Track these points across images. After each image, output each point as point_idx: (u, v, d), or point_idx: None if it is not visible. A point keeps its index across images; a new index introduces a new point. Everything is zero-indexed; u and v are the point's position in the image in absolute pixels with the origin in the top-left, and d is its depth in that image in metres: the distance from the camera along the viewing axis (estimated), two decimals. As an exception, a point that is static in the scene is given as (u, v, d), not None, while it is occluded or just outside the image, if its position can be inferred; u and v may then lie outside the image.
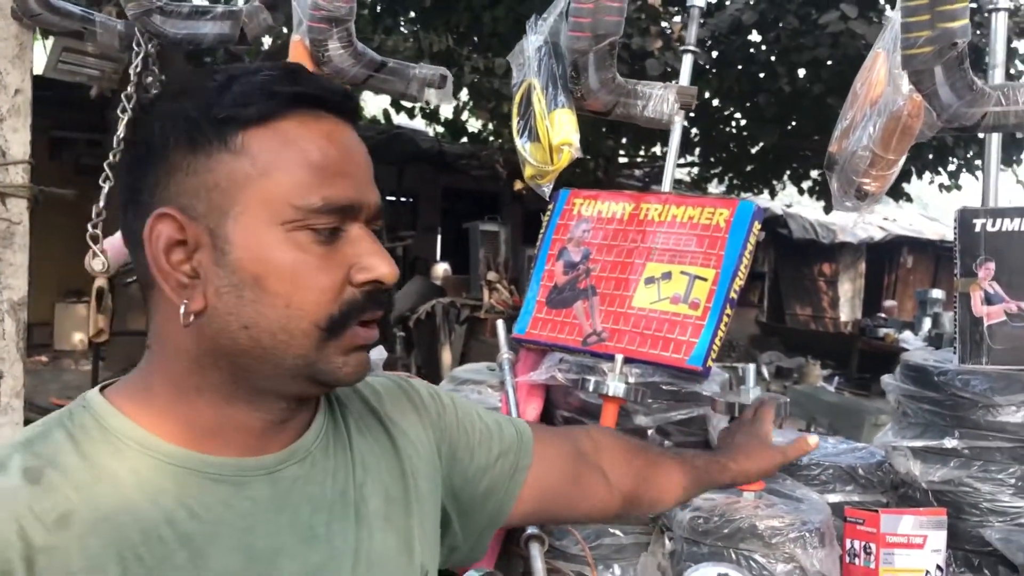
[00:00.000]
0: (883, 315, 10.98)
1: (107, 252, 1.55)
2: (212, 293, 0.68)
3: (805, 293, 12.63)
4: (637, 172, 10.84)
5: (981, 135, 1.72)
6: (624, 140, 9.35)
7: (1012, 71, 7.29)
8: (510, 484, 0.95)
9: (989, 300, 1.63)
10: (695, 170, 10.57)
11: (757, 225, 1.84)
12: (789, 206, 12.23)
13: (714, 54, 7.66)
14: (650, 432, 1.79)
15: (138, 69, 1.54)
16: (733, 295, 1.80)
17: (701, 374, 1.75)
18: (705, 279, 1.82)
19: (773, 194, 9.90)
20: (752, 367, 1.62)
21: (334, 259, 0.70)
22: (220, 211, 0.68)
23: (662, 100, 1.54)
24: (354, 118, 0.75)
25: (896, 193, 8.96)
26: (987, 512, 1.58)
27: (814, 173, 9.05)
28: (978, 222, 1.66)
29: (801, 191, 9.39)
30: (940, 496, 1.62)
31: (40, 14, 1.64)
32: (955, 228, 1.68)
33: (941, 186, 9.07)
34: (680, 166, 10.46)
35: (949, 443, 1.61)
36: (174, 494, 0.67)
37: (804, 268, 12.59)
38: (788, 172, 9.23)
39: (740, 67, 7.78)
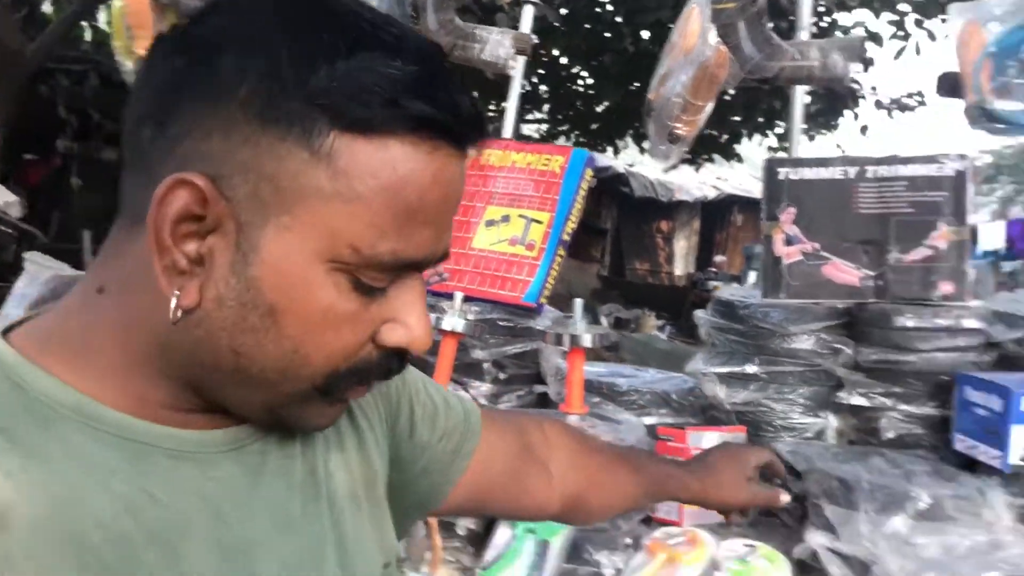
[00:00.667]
0: (714, 269, 11.64)
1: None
2: (211, 297, 0.54)
3: (644, 249, 13.20)
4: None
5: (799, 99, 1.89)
6: (475, 95, 9.39)
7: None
8: (449, 468, 0.82)
9: (789, 242, 1.83)
10: (544, 127, 10.76)
11: (589, 172, 1.97)
12: (631, 165, 12.68)
13: (563, 11, 7.81)
14: (486, 365, 1.89)
15: None
16: (566, 237, 1.92)
17: (535, 310, 1.87)
18: (540, 222, 1.93)
19: (616, 152, 10.24)
20: (580, 301, 1.75)
21: (368, 312, 0.57)
22: (263, 209, 0.52)
23: (498, 44, 1.61)
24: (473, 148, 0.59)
25: (728, 154, 9.49)
26: (780, 429, 1.79)
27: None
28: (782, 171, 1.85)
29: (642, 150, 9.76)
30: (742, 416, 1.82)
31: None
32: (763, 177, 1.86)
33: (770, 148, 9.67)
34: (529, 122, 10.62)
35: (750, 368, 1.80)
36: (128, 476, 0.53)
37: (644, 225, 13.13)
38: (631, 131, 9.56)
39: (588, 26, 7.97)
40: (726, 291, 1.97)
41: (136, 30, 1.46)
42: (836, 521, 1.51)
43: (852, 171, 1.78)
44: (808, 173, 1.81)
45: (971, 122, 1.48)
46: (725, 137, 9.39)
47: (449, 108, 0.54)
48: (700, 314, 1.94)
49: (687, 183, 12.79)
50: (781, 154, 8.82)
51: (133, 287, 0.55)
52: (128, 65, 1.55)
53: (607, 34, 7.86)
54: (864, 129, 8.82)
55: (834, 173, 1.79)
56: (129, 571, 0.51)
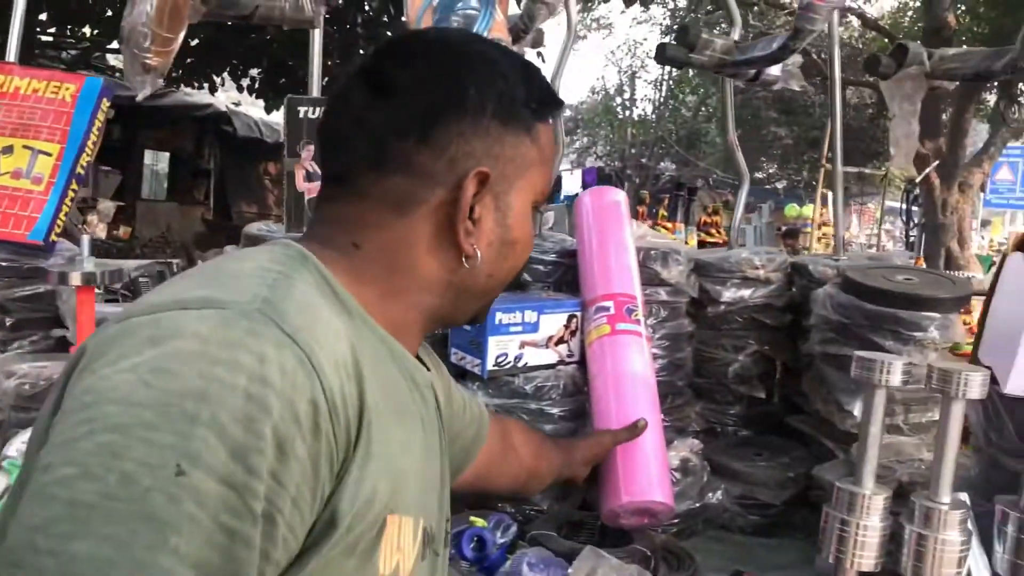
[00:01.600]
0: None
1: None
2: (484, 243, 0.81)
3: (252, 191, 12.84)
4: (65, 54, 9.78)
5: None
6: (44, 16, 8.32)
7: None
8: (471, 449, 1.15)
9: (310, 178, 1.92)
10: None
11: (106, 102, 1.88)
12: (237, 104, 12.19)
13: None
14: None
15: None
16: (80, 170, 1.83)
17: (44, 249, 1.76)
18: (49, 154, 1.82)
19: (214, 89, 9.77)
20: (86, 238, 1.68)
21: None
22: (509, 181, 0.82)
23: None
24: None
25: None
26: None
27: (253, 72, 9.14)
28: (302, 109, 1.93)
29: (240, 89, 9.42)
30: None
31: None
32: (284, 115, 1.92)
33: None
34: (112, 51, 9.69)
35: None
36: (390, 373, 0.76)
37: (250, 167, 12.75)
38: (227, 69, 9.17)
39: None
40: (253, 226, 2.02)
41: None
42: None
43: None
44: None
45: None
46: (326, 79, 9.41)
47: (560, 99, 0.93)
48: (229, 249, 1.97)
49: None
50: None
51: (394, 249, 0.79)
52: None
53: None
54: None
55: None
56: (409, 422, 0.76)
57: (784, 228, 12.41)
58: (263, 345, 0.58)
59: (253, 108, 11.78)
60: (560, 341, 1.82)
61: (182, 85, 9.87)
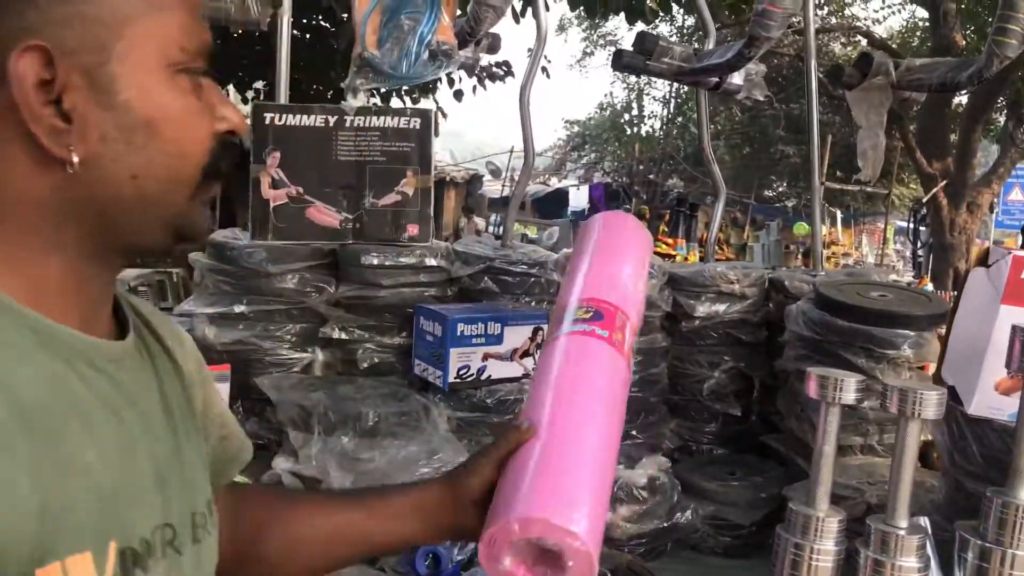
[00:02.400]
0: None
1: None
2: (96, 139, 0.59)
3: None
4: None
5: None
6: None
7: None
8: (224, 470, 0.82)
9: (275, 185, 1.89)
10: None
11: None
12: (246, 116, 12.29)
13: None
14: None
15: None
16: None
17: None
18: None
19: (219, 100, 9.81)
20: None
21: (203, 106, 0.63)
22: (101, 48, 0.59)
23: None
24: None
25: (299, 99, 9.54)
26: (269, 364, 1.86)
27: (258, 84, 9.17)
28: (268, 115, 1.90)
29: (245, 100, 9.46)
30: (233, 354, 1.85)
31: None
32: (250, 121, 1.89)
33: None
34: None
35: (238, 308, 1.84)
36: (49, 368, 0.59)
37: (256, 178, 12.86)
38: (233, 81, 9.21)
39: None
40: (220, 233, 1.99)
41: None
42: (297, 444, 1.62)
43: (332, 119, 1.88)
44: (292, 119, 1.88)
45: (356, 71, 1.64)
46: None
47: None
48: (195, 256, 1.94)
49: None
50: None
51: (3, 180, 0.60)
52: None
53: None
54: (459, 95, 9.42)
55: (316, 120, 1.88)
56: (58, 433, 0.57)
57: (796, 246, 12.34)
58: None
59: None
60: (525, 354, 1.78)
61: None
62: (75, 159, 0.59)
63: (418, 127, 1.87)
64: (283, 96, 1.94)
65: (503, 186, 12.24)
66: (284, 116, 1.87)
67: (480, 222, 12.39)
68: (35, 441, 0.56)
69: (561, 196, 15.75)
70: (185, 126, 0.62)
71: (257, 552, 0.85)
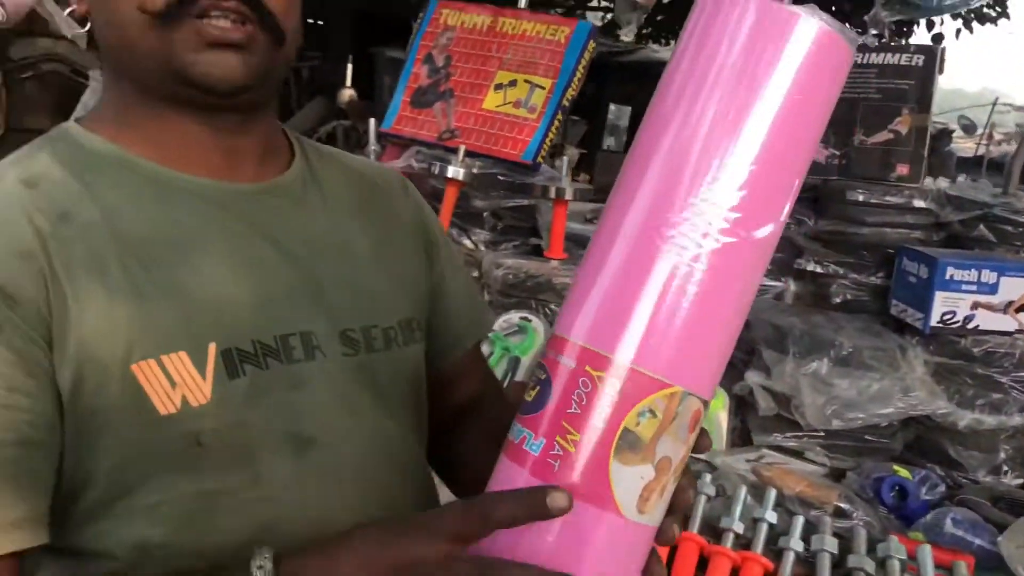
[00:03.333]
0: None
1: (6, 5, 1.70)
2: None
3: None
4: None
5: None
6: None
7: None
8: (463, 337, 0.93)
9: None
10: (609, 16, 10.61)
11: (592, 44, 2.12)
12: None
13: None
14: (485, 214, 2.11)
15: None
16: (565, 103, 2.09)
17: (532, 168, 2.06)
18: (543, 88, 2.11)
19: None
20: (566, 158, 1.94)
21: None
22: None
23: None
24: None
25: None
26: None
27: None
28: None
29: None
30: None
31: None
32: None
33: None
34: (592, 8, 10.47)
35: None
36: (157, 207, 0.70)
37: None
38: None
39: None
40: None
41: None
42: (769, 362, 1.72)
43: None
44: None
45: (883, 4, 1.60)
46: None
47: None
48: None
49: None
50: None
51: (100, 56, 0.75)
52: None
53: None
54: (938, 38, 8.55)
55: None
56: (157, 268, 0.68)
57: None
58: None
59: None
60: (1021, 308, 1.66)
61: (650, 42, 10.33)
62: (76, 12, 0.72)
63: (920, 64, 1.81)
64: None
65: (977, 144, 10.90)
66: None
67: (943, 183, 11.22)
68: (130, 265, 0.66)
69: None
70: None
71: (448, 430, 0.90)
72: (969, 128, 13.73)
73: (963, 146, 13.43)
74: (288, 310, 0.73)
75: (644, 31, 10.09)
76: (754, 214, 0.55)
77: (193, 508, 0.67)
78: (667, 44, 10.15)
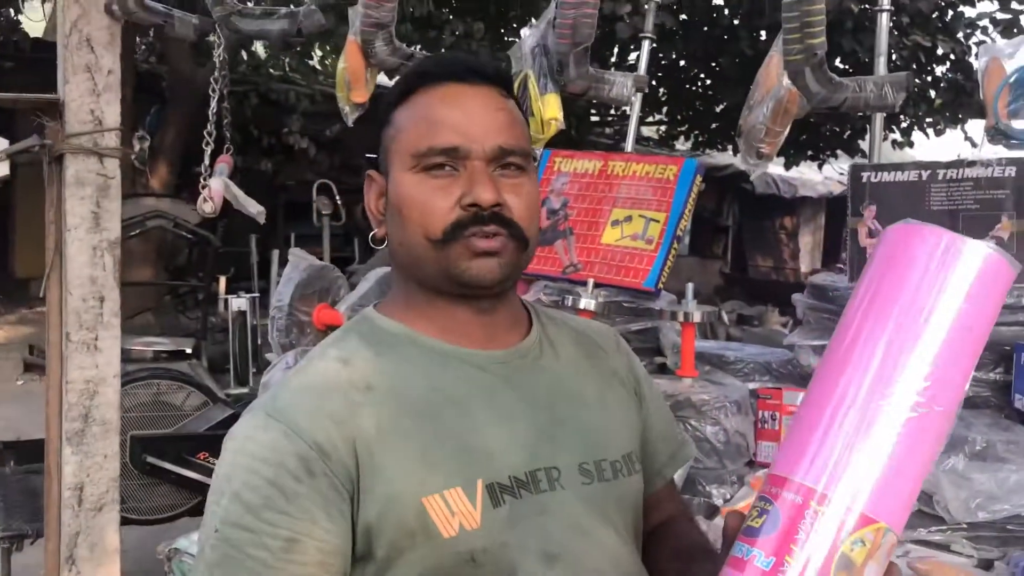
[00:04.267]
0: (840, 265, 11.61)
1: (214, 197, 2.02)
2: (387, 223, 0.96)
3: (767, 245, 13.25)
4: (608, 131, 11.31)
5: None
6: (595, 101, 9.79)
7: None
8: (664, 468, 1.10)
9: (871, 235, 2.15)
10: (663, 128, 11.04)
11: (699, 178, 2.34)
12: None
13: (681, 17, 8.10)
14: (615, 339, 2.30)
15: (221, 57, 1.99)
16: (679, 232, 2.31)
17: (654, 294, 2.26)
18: (658, 221, 2.33)
19: (736, 151, 10.41)
20: (691, 284, 2.13)
21: (449, 190, 0.90)
22: (388, 165, 0.95)
23: (622, 86, 2.02)
24: (489, 80, 0.95)
25: (852, 150, 9.52)
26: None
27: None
28: (864, 175, 2.18)
29: (762, 148, 9.90)
30: (832, 382, 2.15)
31: (135, 12, 2.08)
32: (848, 180, 2.19)
33: (894, 143, 9.64)
34: (649, 124, 10.92)
35: (838, 342, 2.13)
36: (437, 373, 0.90)
37: (766, 221, 13.18)
38: (750, 130, 9.72)
39: (705, 29, 8.24)
40: (818, 277, 2.31)
41: (353, 84, 1.96)
42: (905, 462, 1.84)
43: (925, 174, 2.09)
44: (886, 176, 2.13)
45: (990, 140, 1.78)
46: (848, 133, 9.43)
47: (436, 64, 0.98)
48: (797, 297, 2.28)
49: (811, 179, 12.76)
50: (921, 158, 8.83)
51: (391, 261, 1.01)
52: (347, 109, 2.07)
53: (725, 37, 8.09)
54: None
55: (909, 176, 2.11)
56: (439, 418, 0.88)
57: None
58: (257, 432, 0.85)
59: (772, 166, 12.23)
60: None
61: (707, 149, 10.72)
62: (375, 236, 0.98)
63: (1013, 175, 1.99)
64: (877, 156, 2.20)
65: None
66: (879, 174, 2.13)
67: None
68: (418, 421, 0.86)
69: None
70: (417, 208, 0.90)
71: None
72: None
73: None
74: (535, 449, 0.90)
75: (700, 139, 10.45)
76: (937, 395, 0.73)
77: None
78: (723, 150, 10.50)
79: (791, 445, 0.77)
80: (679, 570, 1.00)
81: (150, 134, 8.14)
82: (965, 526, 1.78)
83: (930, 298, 0.74)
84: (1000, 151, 1.87)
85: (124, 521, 2.45)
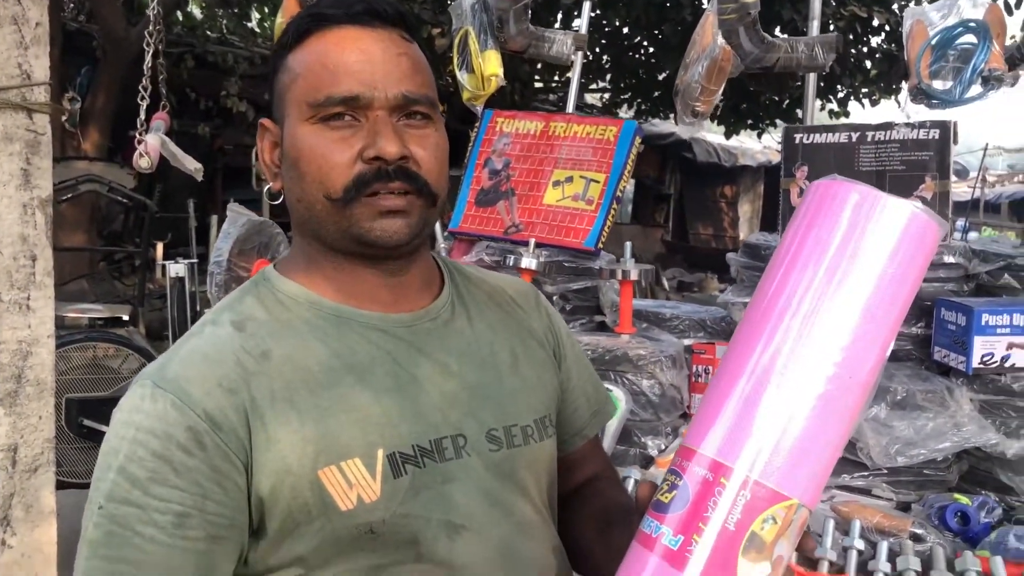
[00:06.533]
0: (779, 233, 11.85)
1: (151, 152, 1.98)
2: (283, 176, 0.90)
3: (708, 213, 13.44)
4: (552, 97, 11.30)
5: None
6: (539, 66, 9.76)
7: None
8: (585, 427, 1.07)
9: (802, 194, 2.22)
10: (607, 96, 11.07)
11: (638, 140, 2.38)
12: (697, 131, 12.89)
13: (624, -16, 8.10)
14: (555, 298, 2.34)
15: (155, 11, 1.94)
16: (619, 193, 2.35)
17: (594, 253, 2.30)
18: (598, 181, 2.36)
19: (678, 119, 10.50)
20: (628, 243, 2.17)
21: (349, 142, 0.84)
22: (281, 114, 0.89)
23: (562, 44, 2.04)
24: (389, 22, 0.87)
25: (791, 119, 9.68)
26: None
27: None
28: (797, 136, 2.24)
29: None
30: (764, 338, 2.22)
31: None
32: (781, 141, 2.25)
33: (831, 112, 9.83)
34: (592, 91, 10.94)
35: (770, 299, 2.20)
36: (338, 339, 0.86)
37: (707, 190, 13.37)
38: (692, 98, 9.81)
39: (648, -3, 8.26)
40: (752, 237, 2.37)
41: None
42: (831, 412, 1.92)
43: (855, 136, 2.16)
44: (818, 138, 2.20)
45: (912, 100, 1.86)
46: (787, 102, 9.57)
47: (332, 4, 0.87)
48: (731, 256, 2.34)
49: (751, 148, 12.96)
50: (844, 119, 9.00)
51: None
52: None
53: (667, 3, 8.13)
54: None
55: (839, 138, 2.17)
56: (336, 387, 0.83)
57: None
58: (144, 402, 0.80)
59: (711, 134, 12.37)
60: (1052, 345, 1.87)
61: (649, 117, 10.78)
62: (270, 190, 0.92)
63: (936, 137, 2.07)
64: (809, 119, 2.26)
65: (972, 188, 11.25)
66: (811, 136, 2.20)
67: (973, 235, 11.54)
68: (315, 389, 0.82)
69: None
70: (315, 161, 0.83)
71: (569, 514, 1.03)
72: (962, 173, 14.09)
73: (958, 190, 13.81)
74: (441, 417, 0.87)
75: (643, 107, 10.52)
76: (853, 365, 0.69)
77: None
78: (666, 119, 10.58)
79: (702, 416, 0.73)
80: (597, 531, 0.97)
81: (81, 96, 7.90)
82: (886, 471, 1.87)
83: (849, 260, 0.69)
84: (923, 111, 1.94)
85: (61, 484, 2.41)
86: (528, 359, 0.98)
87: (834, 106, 9.79)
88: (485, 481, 0.88)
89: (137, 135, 2.04)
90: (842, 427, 0.70)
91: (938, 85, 1.80)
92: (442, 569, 0.84)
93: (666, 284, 8.67)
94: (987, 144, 11.41)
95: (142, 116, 2.09)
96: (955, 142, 2.05)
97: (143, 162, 2.00)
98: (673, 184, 13.29)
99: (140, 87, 2.02)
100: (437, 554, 0.84)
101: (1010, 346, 1.87)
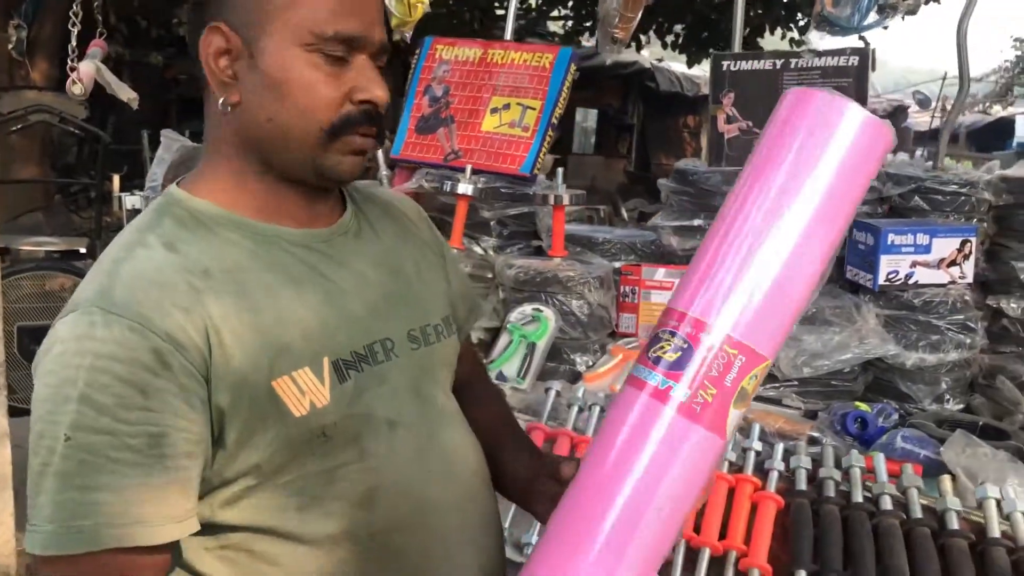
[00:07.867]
0: (739, 163, 11.90)
1: (83, 79, 1.99)
2: (247, 91, 0.86)
3: (670, 143, 13.43)
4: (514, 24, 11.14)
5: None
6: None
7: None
8: (464, 324, 1.16)
9: (729, 120, 2.30)
10: (569, 23, 10.95)
11: (573, 67, 2.43)
12: (660, 60, 12.82)
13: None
14: (492, 223, 2.41)
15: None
16: (554, 120, 2.41)
17: (529, 179, 2.37)
18: (534, 108, 2.42)
19: (640, 48, 10.44)
20: (560, 169, 2.24)
21: (340, 79, 0.86)
22: (259, 27, 0.85)
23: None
24: None
25: (752, 47, 9.67)
26: (720, 269, 2.29)
27: (677, 27, 9.62)
28: (724, 63, 2.30)
29: (664, 45, 9.97)
30: (689, 259, 2.32)
31: None
32: (710, 68, 2.31)
33: (792, 40, 9.83)
34: (554, 18, 10.82)
35: (697, 222, 2.29)
36: (268, 255, 0.89)
37: (669, 119, 13.34)
38: (654, 27, 9.76)
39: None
40: (681, 163, 2.45)
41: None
42: (747, 328, 2.03)
43: (779, 63, 2.23)
44: (744, 65, 2.26)
45: (815, 26, 1.93)
46: (747, 31, 9.56)
47: None
48: (662, 182, 2.42)
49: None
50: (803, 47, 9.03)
51: (212, 129, 0.91)
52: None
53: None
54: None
55: (764, 64, 2.24)
56: (275, 303, 0.87)
57: None
58: (95, 329, 0.78)
59: (675, 63, 12.30)
60: (952, 263, 1.99)
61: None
62: (224, 101, 0.86)
63: (855, 64, 2.14)
64: (738, 44, 2.32)
65: (932, 117, 11.38)
66: (738, 63, 2.26)
67: (903, 157, 11.67)
68: (259, 304, 0.85)
69: (1004, 126, 14.06)
70: (307, 91, 0.84)
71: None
72: (924, 103, 14.21)
73: (919, 120, 13.94)
74: (370, 323, 0.94)
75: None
76: (809, 244, 0.82)
77: (318, 481, 0.88)
78: (627, 46, 10.52)
79: (702, 284, 0.82)
80: (489, 449, 1.08)
81: (27, 24, 7.69)
82: (796, 382, 2.00)
83: (819, 148, 0.82)
84: (828, 40, 2.00)
85: (14, 412, 2.48)
86: (427, 266, 1.07)
87: (795, 34, 9.79)
88: (411, 379, 0.96)
89: (70, 62, 2.04)
90: (801, 305, 0.85)
91: (839, 13, 1.86)
92: (383, 463, 0.91)
93: (625, 215, 8.72)
94: (946, 73, 11.51)
95: (73, 43, 2.09)
96: (873, 69, 2.12)
97: (76, 89, 2.01)
98: (636, 114, 13.27)
99: (71, 12, 2.02)
100: (379, 451, 0.91)
101: (914, 264, 1.98)
